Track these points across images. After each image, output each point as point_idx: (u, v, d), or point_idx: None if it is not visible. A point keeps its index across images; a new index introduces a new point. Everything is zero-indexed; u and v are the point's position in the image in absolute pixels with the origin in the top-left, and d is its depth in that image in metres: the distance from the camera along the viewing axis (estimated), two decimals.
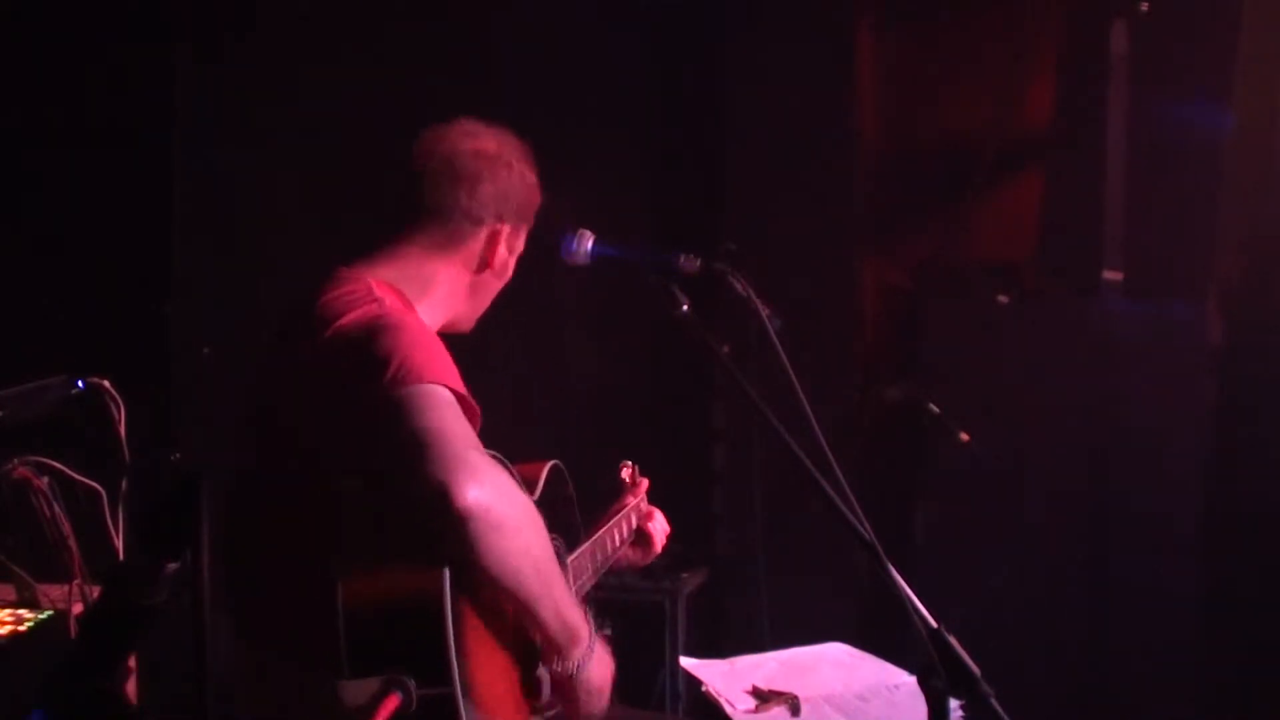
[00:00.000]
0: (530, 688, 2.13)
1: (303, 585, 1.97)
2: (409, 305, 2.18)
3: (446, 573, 1.89)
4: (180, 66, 4.14)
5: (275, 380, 2.18)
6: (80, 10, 4.01)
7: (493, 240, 2.30)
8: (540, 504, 2.18)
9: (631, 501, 2.81)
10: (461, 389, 2.00)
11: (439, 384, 1.95)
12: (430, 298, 2.25)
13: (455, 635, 1.88)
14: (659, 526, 2.84)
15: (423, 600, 1.88)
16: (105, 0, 4.04)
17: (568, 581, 2.24)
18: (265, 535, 2.06)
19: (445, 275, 2.28)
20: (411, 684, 1.81)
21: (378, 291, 2.13)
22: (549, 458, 2.44)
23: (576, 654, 2.12)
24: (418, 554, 1.89)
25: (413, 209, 2.27)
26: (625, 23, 4.56)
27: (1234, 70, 4.25)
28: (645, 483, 2.90)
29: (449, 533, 1.86)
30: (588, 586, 2.51)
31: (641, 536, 2.81)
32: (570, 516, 2.48)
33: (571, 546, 2.40)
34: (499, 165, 2.31)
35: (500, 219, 2.30)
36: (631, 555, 2.81)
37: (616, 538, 2.69)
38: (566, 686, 2.14)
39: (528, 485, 2.27)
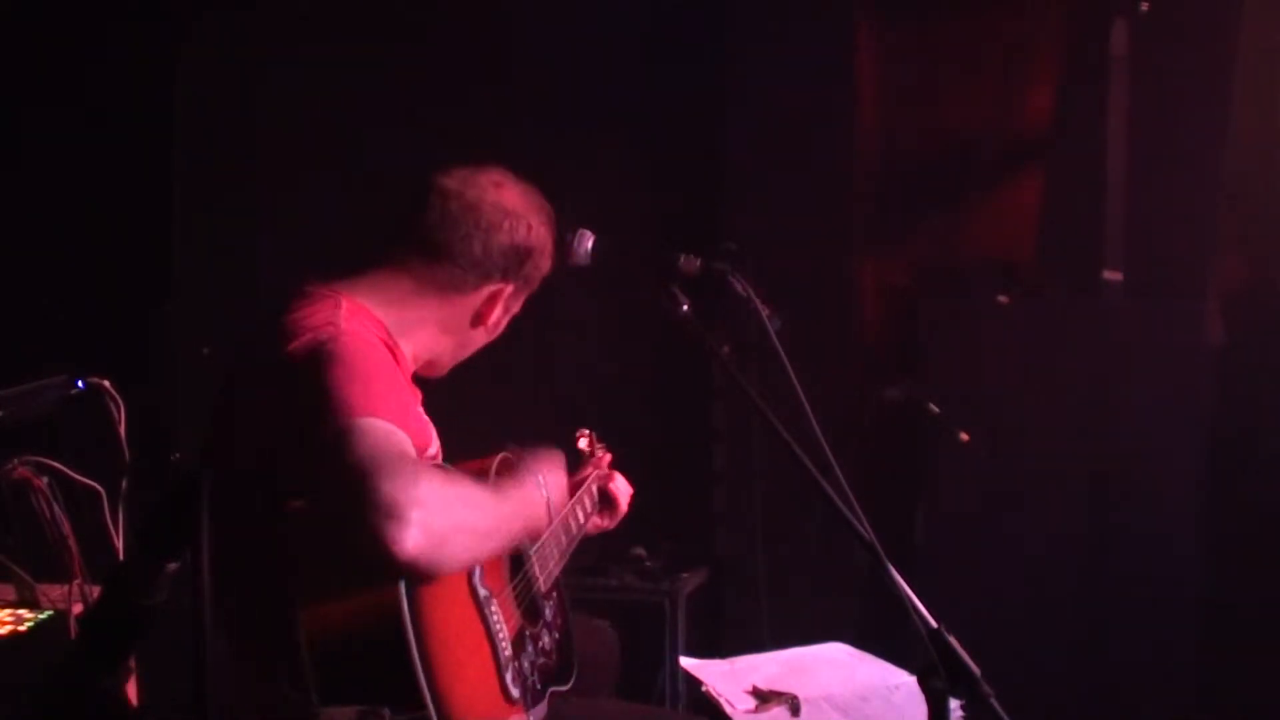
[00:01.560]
0: (507, 686, 2.11)
1: (265, 613, 1.96)
2: (376, 332, 2.11)
3: (402, 590, 1.86)
4: (180, 66, 4.14)
5: (235, 395, 2.15)
6: (80, 10, 4.01)
7: (494, 299, 2.26)
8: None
9: (591, 473, 2.78)
10: (398, 418, 1.92)
11: (372, 417, 1.87)
12: (411, 337, 2.20)
13: (422, 655, 1.86)
14: (621, 488, 2.80)
15: (383, 624, 1.85)
16: (105, 1, 4.04)
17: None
18: (229, 550, 2.02)
19: (434, 318, 2.23)
20: (387, 713, 1.81)
21: (343, 314, 2.06)
22: (533, 450, 2.41)
23: (545, 517, 2.23)
24: (370, 575, 1.86)
25: (418, 242, 2.20)
26: (625, 23, 4.56)
27: (1234, 70, 4.25)
28: (607, 456, 2.86)
29: (401, 576, 1.84)
30: (555, 573, 2.48)
31: (605, 498, 2.77)
32: None
33: (520, 567, 2.38)
34: (520, 223, 2.24)
35: (506, 278, 2.25)
36: (600, 522, 2.78)
37: (580, 515, 2.66)
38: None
39: (479, 479, 2.22)
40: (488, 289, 2.24)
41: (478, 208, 2.20)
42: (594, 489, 2.77)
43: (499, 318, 2.31)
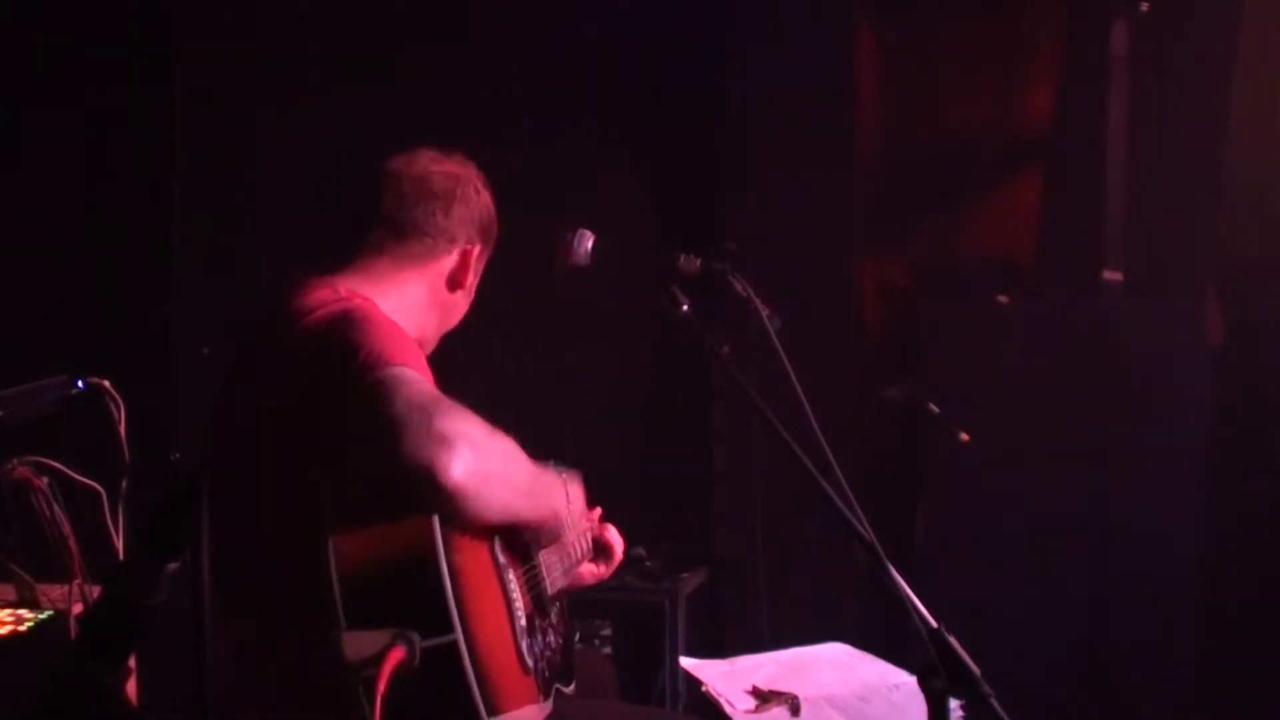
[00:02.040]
0: (522, 653, 2.13)
1: (294, 553, 1.98)
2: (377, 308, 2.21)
3: (435, 521, 1.91)
4: (180, 66, 4.14)
5: (244, 380, 2.20)
6: (80, 11, 4.01)
7: (464, 260, 2.36)
8: None
9: (585, 524, 2.80)
10: (429, 376, 2.03)
11: (407, 366, 1.97)
12: (401, 310, 2.26)
13: (452, 584, 1.90)
14: (615, 537, 2.84)
15: (416, 551, 1.90)
16: (105, 1, 4.04)
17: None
18: (252, 526, 2.06)
19: (416, 290, 2.32)
20: (416, 637, 1.82)
21: (344, 293, 2.18)
22: (549, 459, 2.43)
23: (563, 510, 2.29)
24: (406, 507, 1.92)
25: (383, 224, 2.31)
26: (626, 23, 4.56)
27: (1234, 70, 4.25)
28: (597, 510, 2.88)
29: (441, 507, 1.90)
30: (559, 584, 2.51)
31: (601, 547, 2.80)
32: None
33: (529, 560, 2.41)
34: (468, 187, 2.37)
35: (471, 240, 2.36)
36: (597, 570, 2.81)
37: (580, 546, 2.70)
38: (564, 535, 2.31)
39: None
40: (458, 251, 2.35)
41: (428, 180, 2.33)
42: (588, 534, 2.79)
43: (473, 280, 2.40)
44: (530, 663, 2.15)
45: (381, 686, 1.75)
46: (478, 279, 2.42)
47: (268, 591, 2.07)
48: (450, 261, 2.34)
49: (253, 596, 2.08)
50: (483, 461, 1.91)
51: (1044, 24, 4.58)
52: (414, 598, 1.88)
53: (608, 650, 4.15)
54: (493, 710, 1.91)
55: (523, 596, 2.22)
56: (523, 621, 2.17)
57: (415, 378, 1.96)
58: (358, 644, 1.81)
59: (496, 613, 2.10)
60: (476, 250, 2.37)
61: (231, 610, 2.09)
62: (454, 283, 2.36)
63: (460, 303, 2.41)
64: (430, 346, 2.38)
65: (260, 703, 2.07)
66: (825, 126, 4.53)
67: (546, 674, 2.27)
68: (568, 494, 2.34)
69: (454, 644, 1.87)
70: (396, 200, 2.31)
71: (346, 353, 1.97)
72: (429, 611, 1.87)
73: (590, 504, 2.86)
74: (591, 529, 2.81)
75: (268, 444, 2.07)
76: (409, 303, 2.29)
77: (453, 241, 2.33)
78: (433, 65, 4.36)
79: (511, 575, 2.19)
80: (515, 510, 2.09)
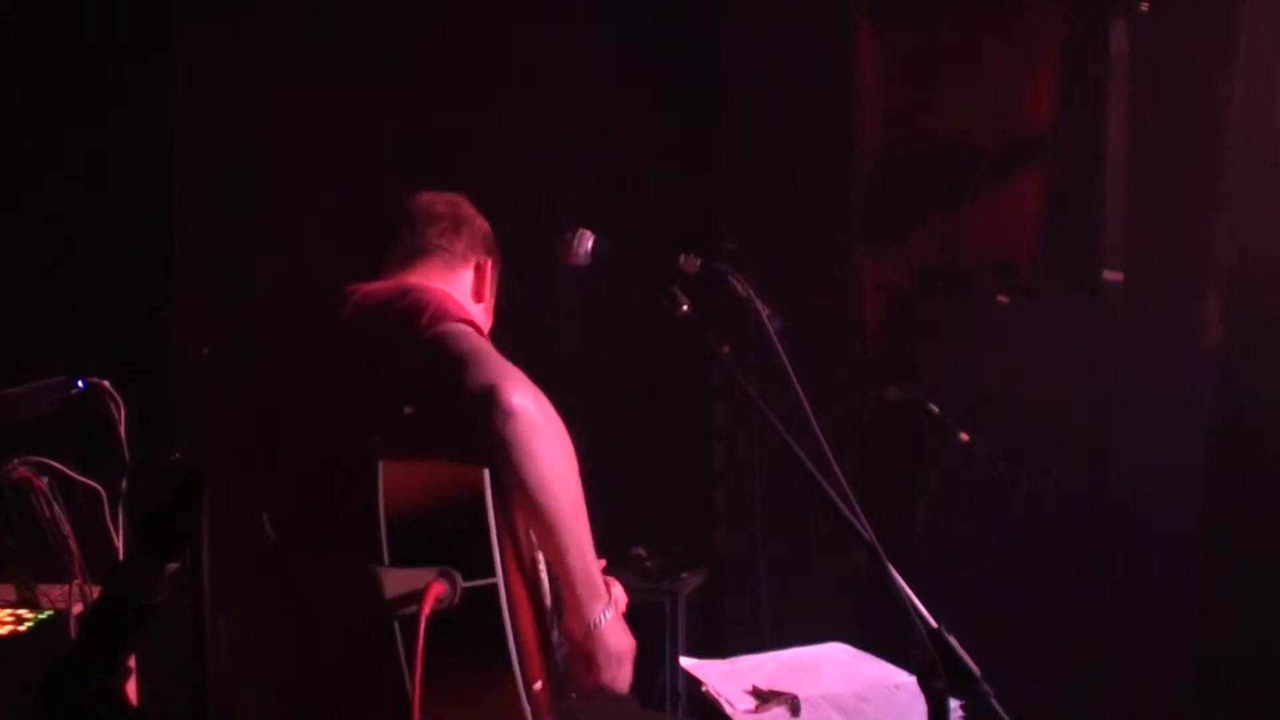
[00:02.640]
0: (548, 628, 2.17)
1: (347, 495, 2.00)
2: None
3: (486, 472, 1.94)
4: (180, 67, 4.14)
5: (296, 369, 2.24)
6: (80, 11, 4.01)
7: (480, 274, 2.49)
8: None
9: None
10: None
11: (467, 324, 2.08)
12: None
13: (497, 530, 1.92)
14: (617, 594, 2.83)
15: (465, 493, 1.92)
16: (105, 1, 4.04)
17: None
18: (311, 485, 2.08)
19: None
20: (458, 575, 1.85)
21: (395, 281, 2.31)
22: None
23: (598, 607, 2.15)
24: (458, 458, 1.96)
25: (401, 246, 2.43)
26: (625, 23, 4.56)
27: (1234, 70, 4.25)
28: (601, 563, 2.91)
29: (495, 430, 1.94)
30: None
31: None
32: None
33: None
34: (469, 209, 2.52)
35: (482, 255, 2.50)
36: None
37: None
38: (584, 644, 2.17)
39: None
40: (473, 264, 2.48)
41: (433, 205, 2.47)
42: None
43: (490, 295, 2.52)
44: (556, 637, 2.20)
45: (424, 616, 1.78)
46: (494, 296, 2.53)
47: (321, 533, 2.08)
48: (468, 275, 2.46)
49: (304, 543, 2.09)
50: (542, 411, 1.99)
51: (1044, 24, 4.58)
52: (460, 538, 1.90)
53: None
54: (523, 659, 1.93)
55: (550, 584, 2.25)
56: (549, 603, 2.21)
57: (477, 333, 2.07)
58: (397, 581, 1.83)
59: (527, 586, 2.13)
60: (490, 264, 2.49)
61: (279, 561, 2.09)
62: (476, 295, 2.47)
63: (483, 317, 2.49)
64: None
65: (293, 656, 2.06)
66: (825, 126, 4.53)
67: (561, 669, 2.27)
68: (615, 601, 2.24)
69: (494, 587, 1.89)
70: (409, 225, 2.44)
71: (412, 313, 2.07)
72: (474, 552, 1.89)
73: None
74: None
75: (337, 403, 2.11)
76: None
77: (466, 258, 2.45)
78: (432, 65, 4.36)
79: (542, 566, 2.23)
80: (556, 471, 2.04)
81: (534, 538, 2.17)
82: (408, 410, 2.01)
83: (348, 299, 2.19)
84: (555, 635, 2.28)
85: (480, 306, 2.49)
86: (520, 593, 2.03)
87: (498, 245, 2.54)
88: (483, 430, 1.94)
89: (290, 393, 2.21)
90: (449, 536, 1.90)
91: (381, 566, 1.86)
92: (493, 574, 1.89)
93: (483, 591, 1.88)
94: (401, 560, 1.87)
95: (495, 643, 1.89)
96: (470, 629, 1.87)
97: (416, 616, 1.80)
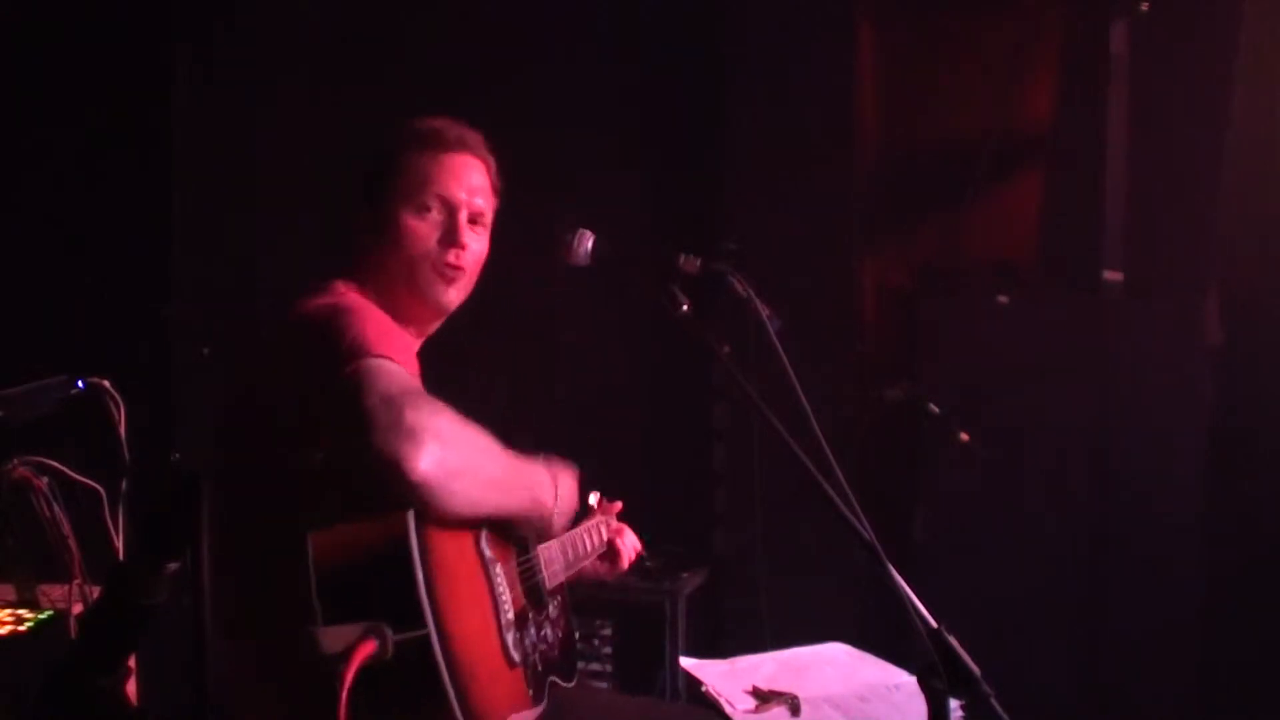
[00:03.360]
0: (508, 646, 2.13)
1: (274, 548, 1.99)
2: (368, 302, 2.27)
3: (410, 515, 1.92)
4: (180, 66, 4.14)
5: (249, 373, 2.27)
6: (80, 11, 4.01)
7: (360, 229, 2.42)
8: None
9: (601, 518, 2.84)
10: (412, 368, 2.09)
11: (385, 357, 2.00)
12: (388, 291, 2.34)
13: (426, 577, 1.90)
14: (628, 542, 2.87)
15: (390, 542, 1.90)
16: (105, 1, 4.04)
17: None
18: (234, 516, 2.08)
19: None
20: (388, 630, 1.83)
21: (339, 288, 2.25)
22: (549, 458, 2.43)
23: (549, 502, 2.29)
24: (382, 502, 1.93)
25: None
26: (625, 23, 4.56)
27: (1234, 70, 4.25)
28: (618, 505, 2.93)
29: (408, 496, 1.92)
30: (560, 578, 2.53)
31: (610, 550, 2.84)
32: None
33: (525, 552, 2.41)
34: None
35: (360, 205, 2.45)
36: (599, 568, 2.84)
37: (588, 542, 2.72)
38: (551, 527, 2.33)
39: None
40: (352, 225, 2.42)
41: None
42: (603, 530, 2.82)
43: (400, 238, 2.41)
44: (517, 656, 2.15)
45: (348, 678, 1.76)
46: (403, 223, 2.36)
47: (252, 588, 2.08)
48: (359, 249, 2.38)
49: (238, 594, 2.09)
50: (451, 455, 1.94)
51: (1044, 24, 4.58)
52: (387, 591, 1.88)
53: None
54: (467, 705, 1.90)
55: (512, 590, 2.22)
56: (510, 615, 2.16)
57: (393, 369, 1.99)
58: (332, 638, 1.82)
59: (478, 606, 2.10)
60: (369, 213, 2.38)
61: (220, 610, 2.08)
62: (372, 265, 2.36)
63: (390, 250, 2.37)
64: (427, 315, 2.39)
65: (251, 702, 2.08)
66: (825, 126, 4.53)
67: (539, 667, 2.27)
68: (556, 487, 2.33)
69: (426, 638, 1.87)
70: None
71: (328, 342, 2.02)
72: (402, 605, 1.87)
73: (612, 499, 2.89)
74: (608, 527, 2.81)
75: (254, 435, 2.11)
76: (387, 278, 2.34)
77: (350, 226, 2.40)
78: (432, 65, 4.36)
79: (500, 570, 2.20)
80: (488, 504, 2.10)
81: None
82: (319, 454, 2.00)
83: (290, 310, 2.18)
84: (532, 633, 2.27)
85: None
86: (467, 627, 2.00)
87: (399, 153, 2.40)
88: (395, 494, 1.92)
89: (221, 421, 2.25)
90: (377, 589, 1.88)
91: (314, 626, 1.84)
92: (423, 625, 1.87)
93: (417, 643, 1.86)
94: (334, 617, 1.85)
95: (433, 693, 1.87)
96: (406, 682, 1.85)
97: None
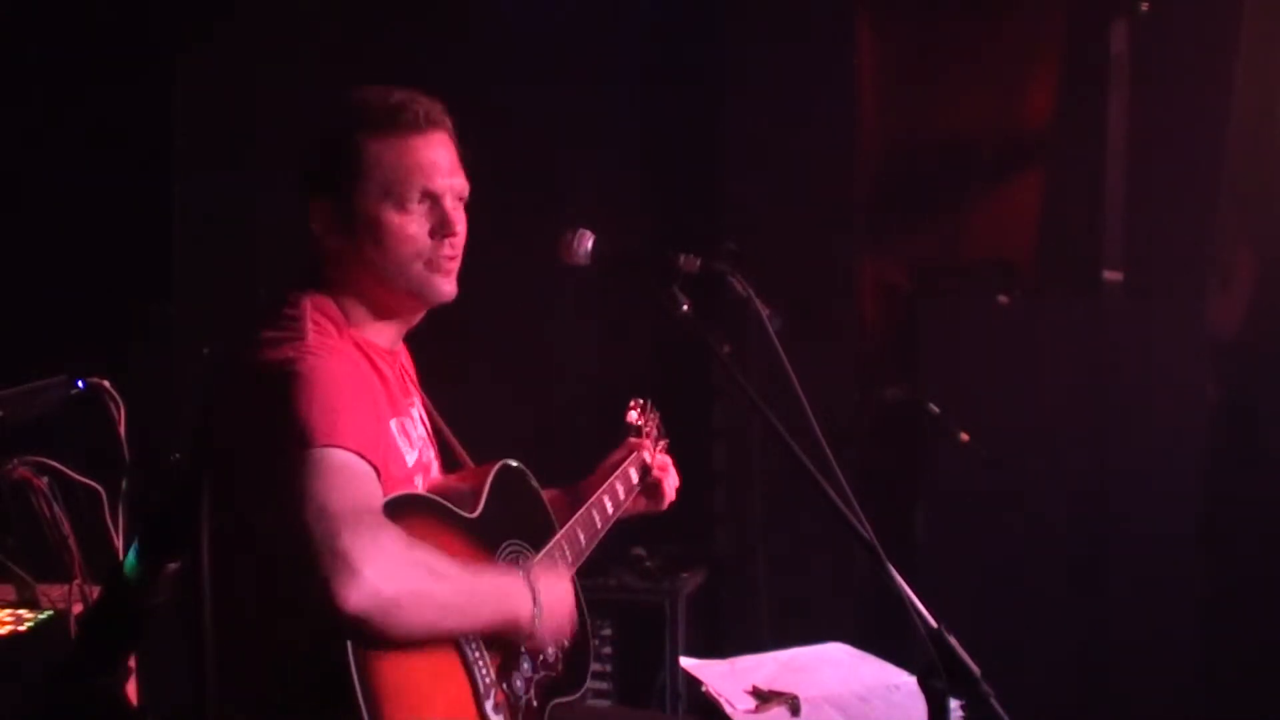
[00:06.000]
0: (486, 714, 2.06)
1: (240, 638, 1.95)
2: (343, 329, 2.14)
3: (350, 646, 1.83)
4: (180, 66, 4.14)
5: (214, 403, 2.12)
6: (80, 11, 4.01)
7: (319, 224, 2.33)
8: (491, 510, 2.17)
9: (629, 455, 2.71)
10: (366, 445, 1.93)
11: (335, 446, 1.87)
12: (359, 297, 2.22)
13: (368, 702, 1.82)
14: (671, 482, 2.75)
15: (330, 660, 1.82)
16: (105, 1, 4.04)
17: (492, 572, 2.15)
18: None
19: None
20: None
21: (308, 321, 2.07)
22: (549, 458, 2.41)
23: (526, 615, 2.08)
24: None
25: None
26: (625, 23, 4.56)
27: (1234, 70, 4.25)
28: (655, 420, 2.80)
29: (344, 632, 1.82)
30: (585, 556, 2.44)
31: (650, 487, 2.72)
32: (536, 514, 2.39)
33: (538, 546, 2.31)
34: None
35: (316, 196, 2.36)
36: (642, 504, 2.72)
37: (609, 505, 2.57)
38: (538, 640, 2.14)
39: (471, 496, 2.20)
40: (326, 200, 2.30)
41: None
42: (631, 473, 2.68)
43: (374, 230, 2.25)
44: (502, 716, 2.09)
45: None
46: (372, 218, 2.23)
47: (249, 587, 2.01)
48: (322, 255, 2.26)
49: (236, 593, 2.03)
50: (389, 586, 1.80)
51: (1044, 24, 4.58)
52: (328, 708, 1.82)
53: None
54: None
55: (490, 646, 2.11)
56: (489, 677, 2.08)
57: (338, 467, 1.86)
58: None
59: (442, 693, 2.00)
60: (326, 202, 2.28)
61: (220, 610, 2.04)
62: (331, 258, 2.25)
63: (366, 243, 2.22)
64: (416, 308, 2.26)
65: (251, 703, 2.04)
66: (825, 126, 4.53)
67: (535, 703, 2.20)
68: (535, 595, 2.11)
69: None
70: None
71: (277, 417, 1.89)
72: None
73: (660, 435, 2.81)
74: (639, 465, 2.69)
75: (211, 479, 2.01)
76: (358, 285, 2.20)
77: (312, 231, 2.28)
78: (432, 66, 4.35)
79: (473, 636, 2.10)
80: (444, 626, 1.96)
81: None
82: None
83: (254, 345, 2.02)
84: (525, 668, 2.20)
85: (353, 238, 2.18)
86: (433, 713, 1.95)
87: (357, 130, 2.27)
88: (331, 622, 1.80)
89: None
90: (318, 708, 1.84)
91: None
92: None
93: None
94: None
95: None
96: None
97: None
